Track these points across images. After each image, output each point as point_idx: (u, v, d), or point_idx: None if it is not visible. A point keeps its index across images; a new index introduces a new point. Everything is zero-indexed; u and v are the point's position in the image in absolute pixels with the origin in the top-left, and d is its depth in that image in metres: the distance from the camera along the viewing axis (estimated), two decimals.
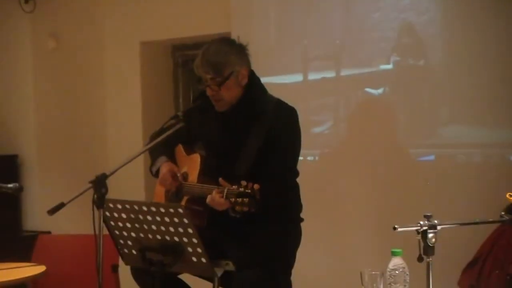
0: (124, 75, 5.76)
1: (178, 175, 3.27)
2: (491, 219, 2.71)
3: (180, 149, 3.40)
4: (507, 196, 2.58)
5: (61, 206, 2.68)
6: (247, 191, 2.80)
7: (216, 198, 2.92)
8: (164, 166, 3.28)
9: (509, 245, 2.87)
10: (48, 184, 5.99)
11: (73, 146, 5.95)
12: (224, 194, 2.88)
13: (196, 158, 3.25)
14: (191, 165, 3.27)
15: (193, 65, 3.20)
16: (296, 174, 3.28)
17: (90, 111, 5.93)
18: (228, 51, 3.15)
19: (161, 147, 3.25)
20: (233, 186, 2.85)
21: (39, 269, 3.63)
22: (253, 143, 3.12)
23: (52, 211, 2.67)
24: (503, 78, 3.88)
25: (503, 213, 2.69)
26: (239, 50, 3.19)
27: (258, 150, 3.10)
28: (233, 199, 2.83)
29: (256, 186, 2.79)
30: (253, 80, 3.23)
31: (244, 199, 2.80)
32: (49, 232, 5.41)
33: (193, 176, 3.22)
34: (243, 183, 2.81)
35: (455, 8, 4.09)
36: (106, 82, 5.85)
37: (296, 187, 3.29)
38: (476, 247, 3.21)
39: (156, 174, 3.33)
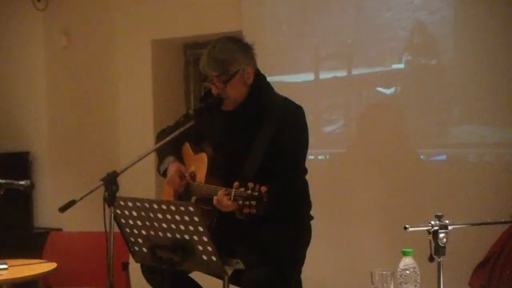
0: (135, 73, 5.77)
1: (186, 175, 3.27)
2: (502, 219, 2.70)
3: (187, 147, 3.39)
4: None
5: (72, 203, 2.68)
6: (254, 193, 2.79)
7: (223, 200, 2.91)
8: (172, 166, 3.28)
9: None
10: (59, 181, 6.00)
11: (85, 144, 5.97)
12: (232, 196, 2.87)
13: (204, 157, 3.24)
14: (199, 164, 3.26)
15: (199, 63, 3.20)
16: (305, 171, 3.27)
17: (102, 108, 5.94)
18: (234, 49, 3.15)
19: (169, 146, 3.24)
20: (241, 188, 2.85)
21: (50, 266, 3.64)
22: (261, 143, 3.11)
23: (64, 208, 2.68)
24: None
25: None
26: (245, 49, 3.19)
27: (265, 150, 3.10)
28: (240, 202, 2.82)
29: (263, 188, 2.78)
30: (259, 79, 3.22)
31: (252, 202, 2.79)
32: (60, 229, 5.41)
33: (201, 176, 3.21)
34: (251, 185, 2.80)
35: (467, 7, 4.07)
36: (118, 80, 5.86)
37: (305, 185, 3.28)
38: (487, 247, 3.20)
39: (164, 174, 3.33)
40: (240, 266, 3.00)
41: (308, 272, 3.33)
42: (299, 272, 3.27)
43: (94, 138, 5.94)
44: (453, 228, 2.38)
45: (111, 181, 2.66)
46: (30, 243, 4.81)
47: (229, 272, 2.91)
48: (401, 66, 4.27)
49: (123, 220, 2.86)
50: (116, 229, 2.72)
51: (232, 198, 2.87)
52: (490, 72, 3.95)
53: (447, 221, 2.38)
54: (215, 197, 2.97)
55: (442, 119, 4.17)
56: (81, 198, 2.69)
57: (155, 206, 2.72)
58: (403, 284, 2.44)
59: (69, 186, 5.69)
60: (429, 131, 4.21)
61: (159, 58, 5.74)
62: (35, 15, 6.03)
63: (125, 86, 5.82)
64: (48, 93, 6.18)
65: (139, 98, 5.75)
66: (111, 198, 2.65)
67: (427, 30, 4.16)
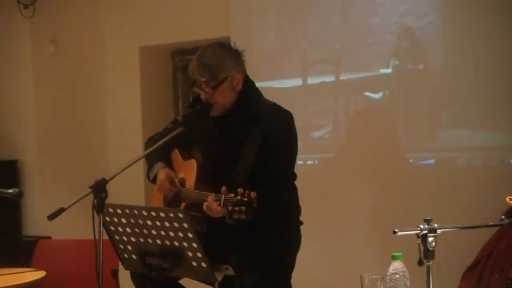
0: (124, 79, 5.76)
1: (176, 181, 3.27)
2: (491, 223, 2.71)
3: (176, 154, 3.39)
4: (507, 199, 2.58)
5: (61, 211, 2.67)
6: (244, 199, 2.80)
7: (213, 206, 2.91)
8: (162, 173, 3.27)
9: (509, 248, 2.87)
10: (48, 189, 5.98)
11: (73, 151, 5.95)
12: (221, 202, 2.87)
13: (193, 163, 3.24)
14: (188, 170, 3.26)
15: (188, 68, 3.20)
16: (294, 177, 3.28)
17: (90, 116, 5.93)
18: (223, 55, 3.15)
19: (158, 153, 3.24)
20: (230, 194, 2.85)
21: (39, 274, 3.62)
22: (250, 149, 3.11)
23: (52, 216, 2.67)
24: (502, 82, 3.88)
25: (503, 216, 2.69)
26: (235, 55, 3.19)
27: (255, 156, 3.10)
28: (230, 207, 2.82)
29: (253, 194, 2.79)
30: (248, 85, 3.23)
31: (241, 207, 2.79)
32: (49, 237, 5.40)
33: (190, 182, 3.21)
34: (240, 190, 2.81)
35: (454, 12, 4.10)
36: (106, 87, 5.85)
37: (294, 190, 3.29)
38: (476, 250, 3.21)
39: (153, 180, 3.33)
40: (230, 272, 3.01)
41: (298, 277, 3.33)
42: (289, 277, 3.27)
43: (82, 145, 5.93)
44: (442, 232, 2.38)
45: (100, 189, 2.65)
46: (19, 251, 4.78)
47: (219, 278, 2.91)
48: (389, 71, 4.28)
49: (112, 227, 2.86)
50: (105, 236, 2.71)
51: (221, 204, 2.87)
52: (478, 77, 3.97)
53: (436, 225, 2.38)
54: (205, 203, 2.97)
55: (430, 124, 4.19)
56: (70, 206, 2.68)
57: (144, 213, 2.71)
58: None
59: (58, 194, 5.67)
60: (417, 135, 4.23)
61: (147, 65, 5.73)
62: (22, 22, 6.03)
63: (114, 93, 5.81)
64: (36, 101, 6.17)
65: (127, 105, 5.74)
66: (100, 206, 2.64)
67: (415, 35, 4.18)
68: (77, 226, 4.15)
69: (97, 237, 2.61)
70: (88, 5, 5.87)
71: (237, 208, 2.81)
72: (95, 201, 2.64)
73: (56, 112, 6.06)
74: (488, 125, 3.97)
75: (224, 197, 2.87)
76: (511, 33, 3.86)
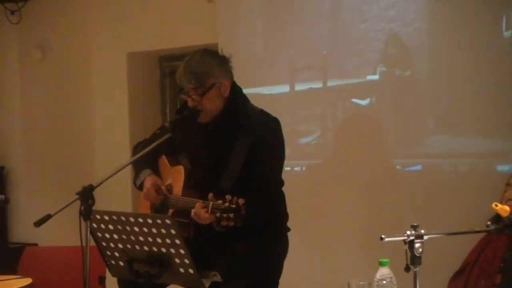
0: (111, 86, 5.75)
1: (163, 187, 3.26)
2: (477, 229, 2.72)
3: (164, 160, 3.39)
4: (493, 205, 2.59)
5: (47, 217, 2.66)
6: (232, 206, 2.79)
7: (201, 213, 2.91)
8: (148, 180, 3.26)
9: (495, 254, 2.88)
10: (34, 195, 5.96)
11: (60, 158, 5.93)
12: (209, 209, 2.87)
13: (180, 170, 3.24)
14: (176, 177, 3.26)
15: (176, 75, 3.19)
16: (282, 183, 3.28)
17: (77, 122, 5.91)
18: (211, 62, 3.15)
19: (145, 159, 3.23)
20: (218, 201, 2.84)
21: (25, 281, 3.60)
22: (238, 156, 3.11)
23: (39, 223, 2.65)
24: (489, 88, 3.91)
25: (489, 222, 2.71)
26: (222, 62, 3.19)
27: (243, 163, 3.10)
28: (218, 214, 2.82)
29: (241, 201, 2.79)
30: (235, 91, 3.23)
31: (230, 214, 2.79)
32: (35, 244, 5.38)
33: (178, 189, 3.21)
34: (228, 197, 2.81)
35: (441, 19, 4.12)
36: (93, 93, 5.84)
37: (282, 197, 3.29)
38: (463, 256, 3.22)
39: (140, 187, 3.32)
40: (218, 278, 3.00)
41: (286, 284, 3.33)
42: (277, 284, 3.27)
43: (69, 151, 5.91)
44: (428, 238, 2.39)
45: (87, 195, 2.64)
46: (5, 258, 4.76)
47: (207, 284, 2.90)
48: (376, 77, 4.30)
49: (99, 234, 2.85)
50: (92, 243, 2.70)
51: (209, 211, 2.87)
52: (464, 83, 3.99)
53: (422, 231, 2.39)
54: (192, 210, 2.96)
55: (417, 130, 4.21)
56: (57, 212, 2.67)
57: (132, 220, 2.71)
58: None
59: (44, 200, 5.65)
60: (404, 141, 4.25)
61: (134, 71, 5.73)
62: (9, 29, 6.01)
63: (101, 99, 5.80)
64: (23, 107, 6.15)
65: (115, 111, 5.73)
66: (87, 212, 2.63)
67: (402, 41, 4.20)
68: (63, 233, 4.13)
69: (84, 244, 2.60)
70: (75, 11, 5.86)
71: (225, 215, 2.80)
72: (82, 207, 2.63)
73: (43, 118, 6.04)
74: (475, 131, 3.99)
75: (212, 203, 2.86)
76: (498, 39, 3.89)
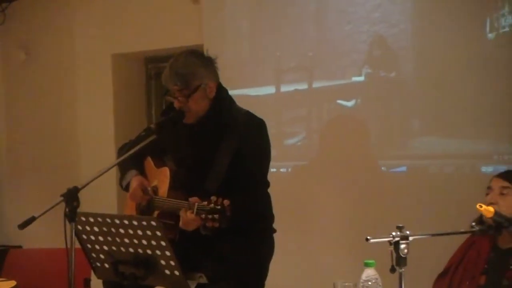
0: (96, 87, 5.73)
1: (149, 189, 3.26)
2: (462, 230, 2.74)
3: (149, 161, 3.38)
4: (477, 206, 2.61)
5: (32, 220, 2.65)
6: (217, 207, 2.80)
7: (186, 214, 2.91)
8: (134, 181, 3.26)
9: (479, 255, 2.89)
10: (19, 197, 5.93)
11: (45, 159, 5.91)
12: (194, 210, 2.87)
13: (166, 171, 3.23)
14: (161, 178, 3.25)
15: (161, 77, 3.19)
16: (267, 184, 3.28)
17: (62, 123, 5.89)
18: (196, 63, 3.15)
19: (131, 160, 3.22)
20: (204, 202, 2.84)
21: (10, 284, 3.58)
22: (224, 157, 3.12)
23: (23, 225, 2.64)
24: (474, 90, 3.93)
25: (473, 223, 2.72)
26: (208, 63, 3.19)
27: (228, 164, 3.10)
28: (203, 215, 2.82)
29: (226, 202, 2.79)
30: (221, 93, 3.23)
31: (215, 215, 2.79)
32: (20, 247, 5.35)
33: (163, 190, 3.20)
34: (213, 198, 2.81)
35: (425, 20, 4.14)
36: (78, 95, 5.82)
37: (267, 198, 3.29)
38: (448, 257, 3.23)
39: (126, 188, 3.31)
40: (204, 280, 3.01)
41: (271, 285, 3.33)
42: (262, 285, 3.27)
43: (54, 153, 5.88)
44: (414, 239, 2.40)
45: (72, 197, 2.63)
46: None
47: (193, 286, 2.91)
48: (361, 78, 4.31)
49: (84, 236, 2.84)
50: (77, 245, 2.69)
51: (195, 212, 2.87)
52: (449, 84, 4.01)
53: (408, 232, 2.40)
54: (181, 214, 2.96)
55: (402, 131, 4.22)
56: (41, 214, 2.66)
57: (117, 221, 2.70)
58: None
59: (29, 202, 5.62)
60: (390, 143, 4.26)
61: (119, 72, 5.71)
62: None
63: (86, 100, 5.78)
64: (6, 108, 6.12)
65: (100, 112, 5.71)
66: (72, 214, 2.62)
67: (387, 43, 4.21)
68: (48, 235, 4.11)
69: (69, 246, 2.59)
70: (60, 12, 5.83)
71: (210, 216, 2.80)
72: (67, 209, 2.62)
73: (27, 119, 6.01)
74: (460, 132, 4.01)
75: (197, 205, 2.87)
76: (482, 41, 3.91)
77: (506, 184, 2.83)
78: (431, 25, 4.09)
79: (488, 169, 3.89)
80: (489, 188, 2.87)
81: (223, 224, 2.82)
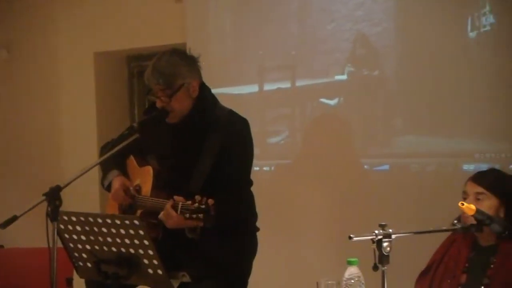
0: (78, 86, 5.70)
1: (131, 189, 3.24)
2: (444, 227, 2.75)
3: (132, 160, 3.37)
4: (459, 204, 2.62)
5: (14, 219, 2.63)
6: (201, 206, 2.79)
7: (171, 213, 2.90)
8: (116, 181, 3.24)
9: (460, 253, 2.91)
10: (0, 196, 5.88)
11: (27, 158, 5.87)
12: (178, 210, 2.86)
13: (149, 170, 3.23)
14: (144, 177, 3.24)
15: (144, 76, 3.18)
16: (250, 183, 3.28)
17: (44, 122, 5.85)
18: (179, 63, 3.14)
19: (113, 160, 3.21)
20: (188, 201, 2.84)
21: None
22: (207, 157, 3.11)
23: (5, 224, 2.62)
24: (455, 88, 3.95)
25: (455, 221, 2.74)
26: (190, 62, 3.19)
27: (211, 164, 3.10)
28: (187, 215, 2.81)
29: (210, 201, 2.79)
30: (204, 92, 3.22)
31: (199, 215, 2.79)
32: (1, 246, 5.31)
33: (146, 189, 3.19)
34: (197, 198, 2.81)
35: (408, 19, 4.15)
36: (60, 93, 5.78)
37: (251, 197, 3.29)
38: (430, 255, 3.25)
39: (108, 188, 3.30)
40: (187, 279, 3.00)
41: (255, 283, 3.33)
42: (246, 283, 3.27)
43: (36, 152, 5.85)
44: (396, 237, 2.41)
45: (54, 196, 2.62)
46: None
47: (176, 285, 2.90)
48: (344, 77, 4.32)
49: (66, 235, 2.82)
50: (59, 244, 2.67)
51: (179, 212, 2.86)
52: (431, 83, 4.03)
53: (390, 230, 2.41)
54: (162, 212, 2.96)
55: (384, 130, 4.24)
56: (23, 214, 2.64)
57: (100, 220, 2.69)
58: None
59: (10, 201, 5.57)
60: (372, 141, 4.27)
61: (102, 71, 5.68)
62: None
63: (68, 99, 5.74)
64: None
65: (82, 111, 5.68)
66: (54, 213, 2.61)
67: (369, 41, 4.23)
68: (30, 234, 4.08)
69: (51, 245, 2.58)
70: (42, 10, 5.80)
71: (194, 216, 2.80)
72: (49, 208, 2.61)
73: (9, 118, 5.97)
74: (442, 131, 4.03)
75: (182, 204, 2.86)
76: (463, 39, 3.93)
77: (480, 189, 2.81)
78: (413, 23, 4.11)
79: (469, 167, 3.91)
80: (464, 192, 2.87)
81: (207, 223, 2.82)
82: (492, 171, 3.01)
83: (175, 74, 3.11)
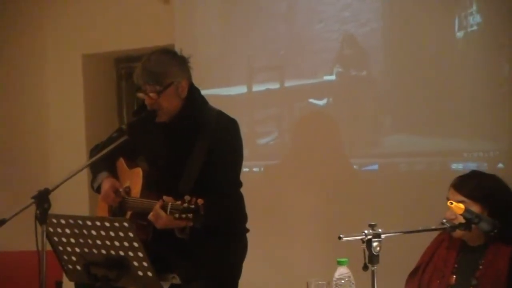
0: (66, 88, 5.68)
1: (121, 190, 3.24)
2: (433, 227, 2.76)
3: (121, 162, 3.36)
4: (448, 203, 2.63)
5: (2, 222, 2.62)
6: (191, 206, 2.79)
7: (160, 213, 2.90)
8: (106, 182, 3.24)
9: (449, 252, 2.92)
10: None
11: (15, 161, 5.84)
12: (168, 210, 2.86)
13: (139, 172, 3.22)
14: (134, 179, 3.24)
15: (133, 75, 3.18)
16: (240, 184, 3.28)
17: (32, 125, 5.83)
18: (169, 61, 3.14)
19: (102, 162, 3.20)
20: (177, 202, 2.84)
21: None
22: (196, 158, 3.11)
23: None
24: (443, 87, 3.96)
25: (444, 220, 2.75)
26: (180, 62, 3.19)
27: (201, 165, 3.10)
28: (177, 215, 2.81)
29: (200, 201, 2.79)
30: (193, 93, 3.22)
31: (189, 215, 2.79)
32: None
33: (136, 191, 3.19)
34: (187, 197, 2.81)
35: (395, 19, 4.17)
36: (48, 95, 5.76)
37: (240, 198, 3.29)
38: (420, 254, 3.26)
39: (98, 190, 3.29)
40: (177, 280, 3.00)
41: (245, 284, 3.33)
42: (236, 284, 3.27)
43: (24, 155, 5.82)
44: (386, 237, 2.42)
45: (42, 199, 2.61)
46: None
47: (166, 287, 2.89)
48: (332, 77, 4.33)
49: (56, 238, 2.81)
50: (49, 247, 2.67)
51: (168, 212, 2.86)
52: (419, 82, 4.04)
53: (380, 230, 2.41)
54: (151, 213, 2.95)
55: (373, 130, 4.24)
56: (12, 217, 2.63)
57: (89, 223, 2.68)
58: None
59: None
60: (361, 141, 4.28)
61: (90, 73, 5.67)
62: None
63: (57, 101, 5.73)
64: None
65: (70, 113, 5.66)
66: (43, 216, 2.60)
67: (357, 42, 4.24)
68: (19, 238, 4.06)
69: (40, 249, 2.57)
70: (30, 11, 5.77)
71: (184, 215, 2.80)
72: (38, 211, 2.60)
73: None
74: (430, 130, 4.04)
75: (171, 204, 2.86)
76: (451, 39, 3.95)
77: (460, 198, 2.80)
78: (400, 24, 4.12)
79: (458, 166, 3.93)
80: (447, 199, 2.87)
81: (197, 223, 2.82)
82: (472, 176, 2.95)
83: (164, 73, 3.11)
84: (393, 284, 3.02)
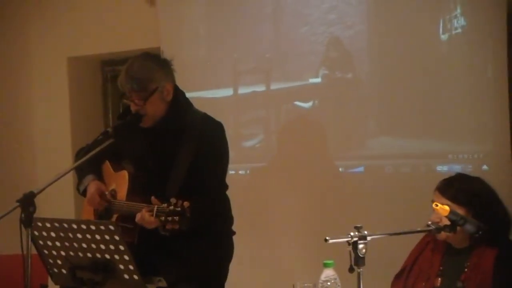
0: (51, 91, 5.66)
1: (107, 193, 3.23)
2: (419, 229, 2.77)
3: (107, 165, 3.35)
4: (433, 205, 2.64)
5: None
6: (177, 209, 2.79)
7: (146, 216, 2.90)
8: (92, 186, 3.23)
9: (434, 255, 2.93)
10: None
11: (0, 164, 5.81)
12: (154, 213, 2.86)
13: (124, 175, 3.22)
14: (120, 182, 3.23)
15: (118, 81, 3.17)
16: (226, 187, 3.29)
17: (17, 128, 5.80)
18: (152, 66, 3.14)
19: (88, 165, 3.19)
20: (163, 204, 2.84)
21: None
22: (182, 161, 3.11)
23: None
24: (428, 89, 3.98)
25: (429, 222, 2.76)
26: (164, 66, 3.18)
27: (187, 168, 3.10)
28: (163, 218, 2.81)
29: (186, 204, 2.79)
30: (178, 95, 3.22)
31: (175, 217, 2.79)
32: None
33: (122, 194, 3.18)
34: (173, 200, 2.81)
35: (380, 21, 4.19)
36: (34, 98, 5.74)
37: (226, 201, 3.30)
38: (405, 256, 3.28)
39: (84, 193, 3.28)
40: (163, 284, 3.00)
41: (231, 287, 3.33)
42: (222, 287, 3.27)
43: (9, 157, 5.79)
44: (372, 239, 2.42)
45: (28, 202, 2.59)
46: None
47: None
48: (318, 80, 4.34)
49: (41, 242, 2.80)
50: (34, 251, 2.65)
51: (154, 215, 2.86)
52: (404, 85, 4.06)
53: (366, 232, 2.42)
54: (138, 214, 2.95)
55: (359, 132, 4.26)
56: None
57: (74, 226, 2.67)
58: None
59: None
60: (347, 143, 4.29)
61: (75, 76, 5.65)
62: None
63: (41, 104, 5.70)
64: None
65: (56, 116, 5.64)
66: (28, 220, 2.58)
67: (343, 44, 4.25)
68: (4, 241, 4.04)
69: (25, 252, 2.56)
70: (14, 14, 5.75)
71: (170, 218, 2.80)
72: (23, 215, 2.59)
73: None
74: (416, 132, 4.06)
75: (157, 207, 2.86)
76: (435, 42, 3.97)
77: (445, 201, 2.80)
78: (386, 26, 4.14)
79: (443, 168, 3.95)
80: (433, 201, 2.88)
81: (183, 226, 2.82)
82: (456, 179, 2.95)
83: (149, 78, 3.10)
84: (379, 286, 3.03)
